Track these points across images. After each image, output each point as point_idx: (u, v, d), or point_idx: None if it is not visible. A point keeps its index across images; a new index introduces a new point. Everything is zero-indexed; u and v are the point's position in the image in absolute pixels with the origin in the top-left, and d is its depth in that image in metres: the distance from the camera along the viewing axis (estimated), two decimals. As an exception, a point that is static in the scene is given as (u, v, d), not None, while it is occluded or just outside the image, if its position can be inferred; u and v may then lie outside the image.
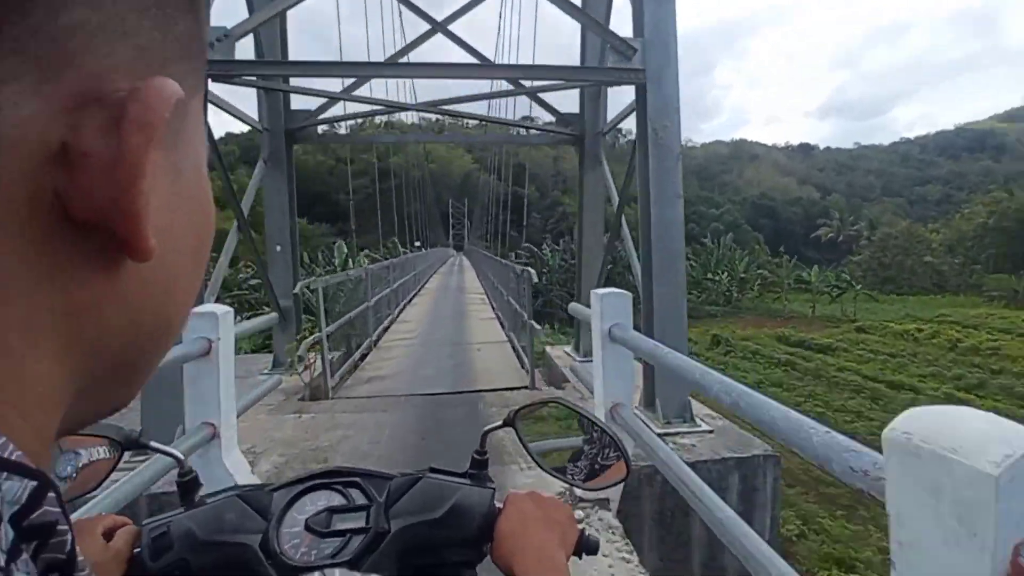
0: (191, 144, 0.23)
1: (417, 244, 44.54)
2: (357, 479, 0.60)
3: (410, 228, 39.86)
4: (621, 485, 0.70)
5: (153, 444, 0.62)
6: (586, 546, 0.60)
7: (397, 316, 10.64)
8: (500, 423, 0.66)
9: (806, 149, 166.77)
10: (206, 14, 0.23)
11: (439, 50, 7.42)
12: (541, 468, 0.71)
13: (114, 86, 0.18)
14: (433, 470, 0.62)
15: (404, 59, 5.93)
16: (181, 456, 0.62)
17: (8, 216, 0.17)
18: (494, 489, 0.61)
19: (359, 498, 0.58)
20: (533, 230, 74.70)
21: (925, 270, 34.58)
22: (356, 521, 0.56)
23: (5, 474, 0.16)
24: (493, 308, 11.39)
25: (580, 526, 0.61)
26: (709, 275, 25.54)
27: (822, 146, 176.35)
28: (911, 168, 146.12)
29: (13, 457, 0.16)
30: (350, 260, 18.82)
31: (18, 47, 0.17)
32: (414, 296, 13.84)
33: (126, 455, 0.60)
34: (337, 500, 0.58)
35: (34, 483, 0.16)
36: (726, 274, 24.64)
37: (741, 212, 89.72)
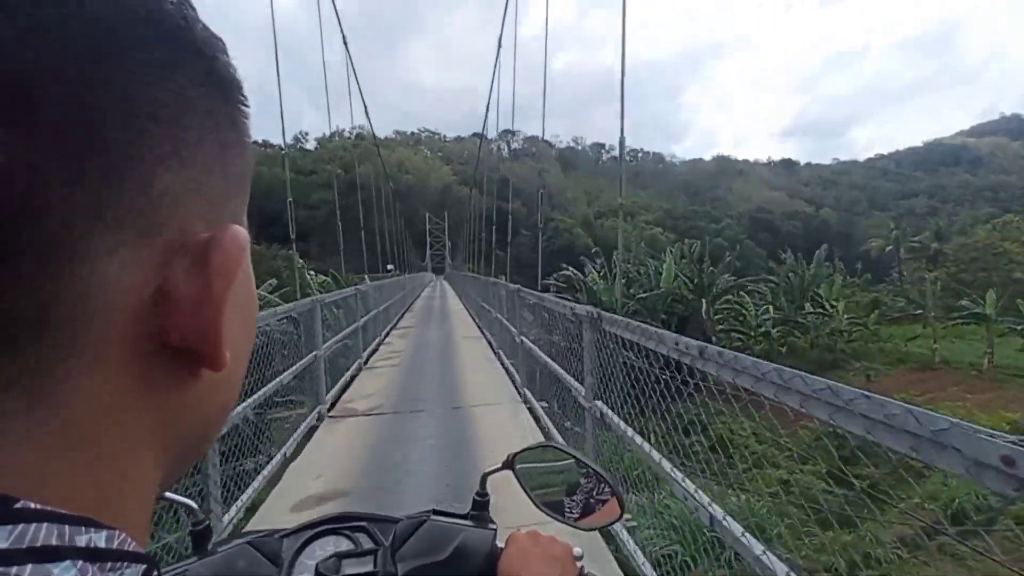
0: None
1: (390, 268, 36.60)
2: (364, 523, 0.62)
3: (380, 250, 31.91)
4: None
5: (169, 495, 0.61)
6: None
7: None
8: (500, 466, 0.69)
9: (788, 164, 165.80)
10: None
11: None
12: (537, 507, 0.72)
13: (193, 235, 0.22)
14: (436, 512, 0.64)
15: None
16: (194, 505, 0.63)
17: (121, 352, 0.20)
18: (495, 530, 0.64)
19: (366, 542, 0.61)
20: (522, 248, 67.52)
21: (1015, 289, 28.06)
22: (364, 565, 0.58)
23: (128, 563, 0.19)
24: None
25: (579, 563, 0.63)
26: (807, 306, 18.13)
27: (802, 162, 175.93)
28: (892, 182, 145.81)
29: (131, 548, 0.20)
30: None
31: (119, 222, 0.19)
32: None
33: None
34: (345, 545, 0.60)
35: (143, 566, 0.20)
36: (841, 303, 17.36)
37: (740, 227, 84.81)
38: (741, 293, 18.92)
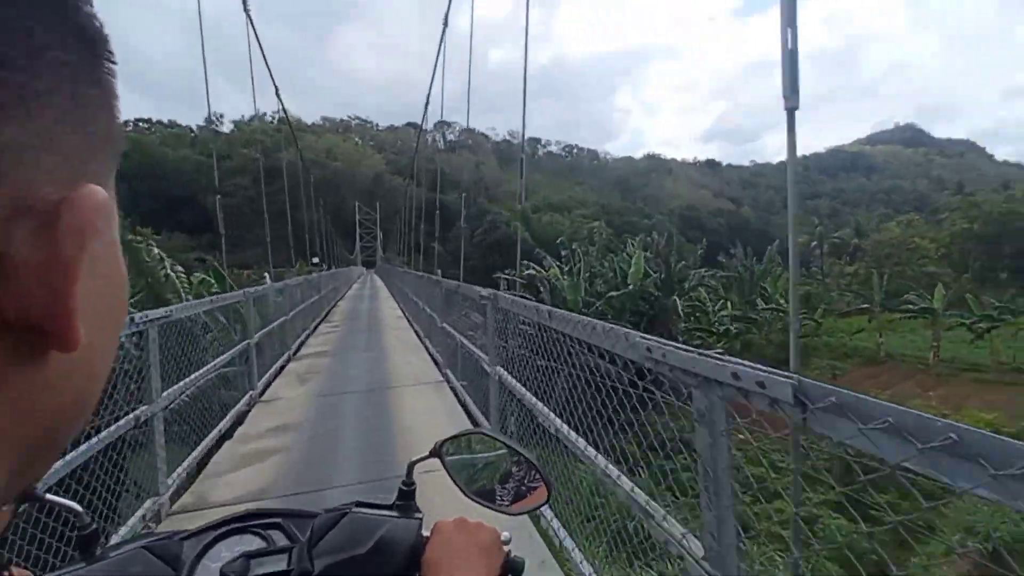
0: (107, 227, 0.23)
1: (315, 261, 33.36)
2: (278, 520, 0.59)
3: (296, 239, 28.84)
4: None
5: (49, 497, 0.58)
6: (512, 567, 0.63)
7: None
8: (427, 454, 0.68)
9: (712, 165, 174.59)
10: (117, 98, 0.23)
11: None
12: (466, 496, 0.71)
13: (41, 195, 0.19)
14: (360, 504, 0.62)
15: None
16: (79, 508, 0.59)
17: None
18: (421, 519, 0.62)
19: (280, 539, 0.57)
20: (459, 241, 65.18)
21: (927, 282, 29.94)
22: (277, 564, 0.54)
23: None
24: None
25: (506, 547, 0.63)
26: (759, 301, 17.76)
27: (724, 163, 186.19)
28: (801, 184, 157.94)
29: None
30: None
31: None
32: None
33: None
34: (256, 544, 0.57)
35: None
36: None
37: (672, 223, 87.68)
38: (699, 289, 18.34)
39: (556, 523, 2.52)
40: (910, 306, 19.50)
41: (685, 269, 16.10)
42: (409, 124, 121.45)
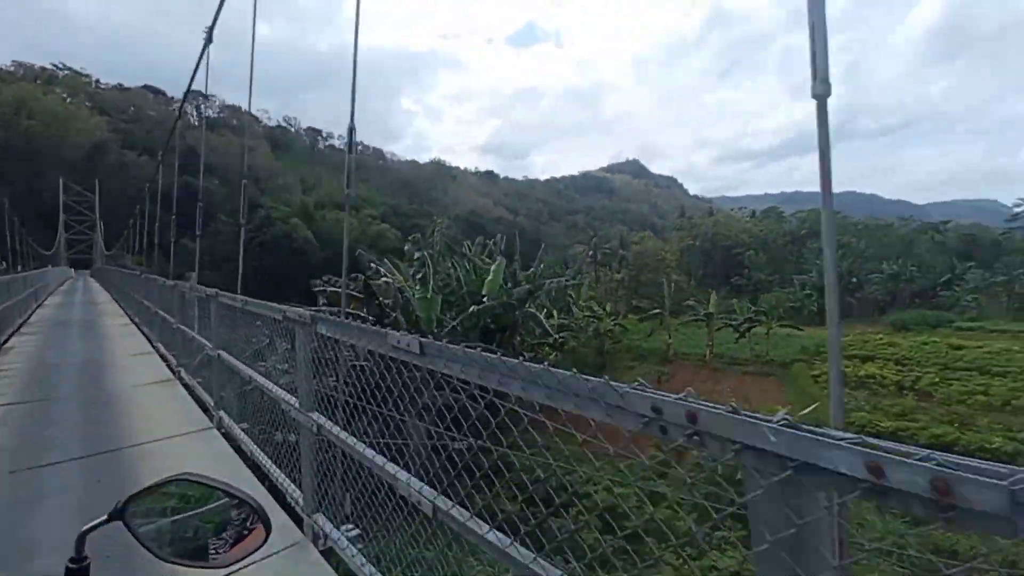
0: None
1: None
2: None
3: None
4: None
5: None
6: None
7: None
8: (105, 518, 0.58)
9: (491, 175, 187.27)
10: None
11: None
12: (162, 560, 0.62)
13: None
14: None
15: None
16: None
17: None
18: None
19: None
20: (220, 238, 54.88)
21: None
22: None
23: None
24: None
25: None
26: (575, 309, 18.20)
27: (501, 175, 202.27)
28: (563, 200, 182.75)
29: None
30: None
31: None
32: None
33: None
34: None
35: None
36: (608, 306, 17.85)
37: (457, 228, 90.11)
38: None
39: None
40: (694, 312, 23.51)
41: (533, 278, 15.60)
42: (147, 87, 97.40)
